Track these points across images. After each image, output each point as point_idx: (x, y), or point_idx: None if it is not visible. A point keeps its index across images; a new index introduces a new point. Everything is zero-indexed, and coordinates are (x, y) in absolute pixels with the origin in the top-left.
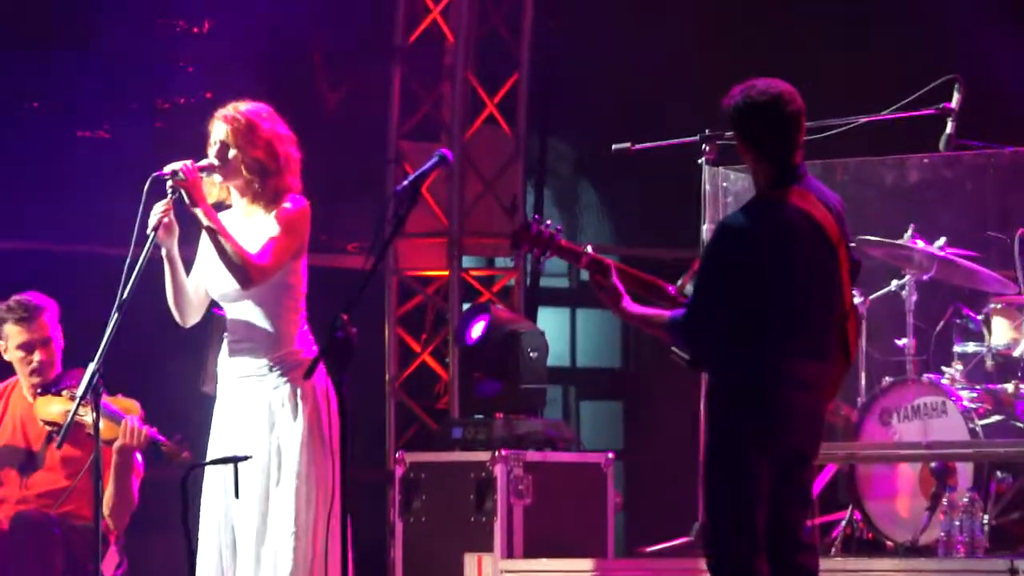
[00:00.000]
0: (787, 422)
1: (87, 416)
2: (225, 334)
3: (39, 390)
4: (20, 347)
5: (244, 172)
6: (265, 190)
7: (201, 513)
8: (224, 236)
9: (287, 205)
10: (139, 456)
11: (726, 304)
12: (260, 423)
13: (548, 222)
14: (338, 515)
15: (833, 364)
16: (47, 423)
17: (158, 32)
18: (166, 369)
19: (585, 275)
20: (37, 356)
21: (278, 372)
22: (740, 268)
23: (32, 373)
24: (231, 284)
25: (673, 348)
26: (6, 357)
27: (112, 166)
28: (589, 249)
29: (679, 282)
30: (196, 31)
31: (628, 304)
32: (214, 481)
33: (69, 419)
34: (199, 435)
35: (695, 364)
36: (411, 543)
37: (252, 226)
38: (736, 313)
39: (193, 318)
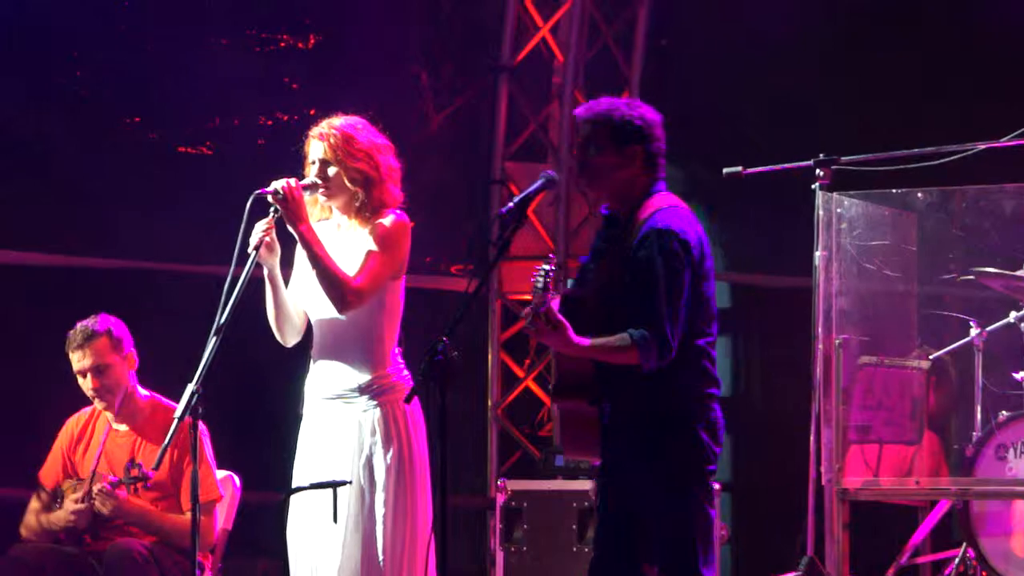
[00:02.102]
0: (719, 439)
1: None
2: (314, 353)
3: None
4: (78, 373)
5: (348, 186)
6: (370, 201)
7: (289, 537)
8: (323, 257)
9: (385, 221)
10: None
11: (680, 316)
12: (349, 447)
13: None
14: (432, 544)
15: None
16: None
17: (262, 48)
18: (267, 388)
19: None
20: (89, 383)
21: (368, 395)
22: (686, 276)
23: (93, 399)
24: (326, 303)
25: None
26: None
27: (214, 183)
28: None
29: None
30: (301, 47)
31: (575, 336)
32: (300, 505)
33: (167, 440)
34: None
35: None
36: (512, 572)
37: (351, 241)
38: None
39: (294, 337)
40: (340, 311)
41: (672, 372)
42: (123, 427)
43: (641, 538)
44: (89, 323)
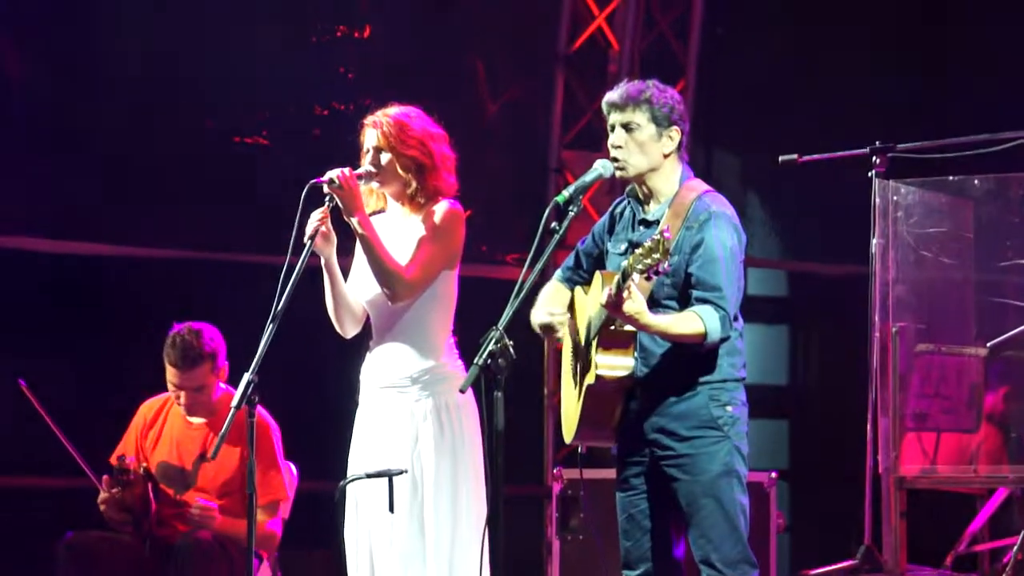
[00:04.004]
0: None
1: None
2: (371, 342)
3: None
4: (172, 385)
5: (401, 173)
6: (424, 190)
7: (346, 527)
8: (378, 247)
9: (437, 209)
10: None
11: (736, 297)
12: (402, 437)
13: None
14: (487, 532)
15: None
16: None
17: (318, 37)
18: (323, 377)
19: (753, 289)
20: (184, 399)
21: (420, 385)
22: (741, 259)
23: (180, 406)
24: (379, 292)
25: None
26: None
27: (270, 173)
28: None
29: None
30: (357, 36)
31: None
32: (353, 494)
33: (224, 429)
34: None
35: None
36: (568, 561)
37: (406, 231)
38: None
39: (353, 328)
40: (392, 301)
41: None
42: (197, 420)
43: (670, 503)
44: (192, 341)
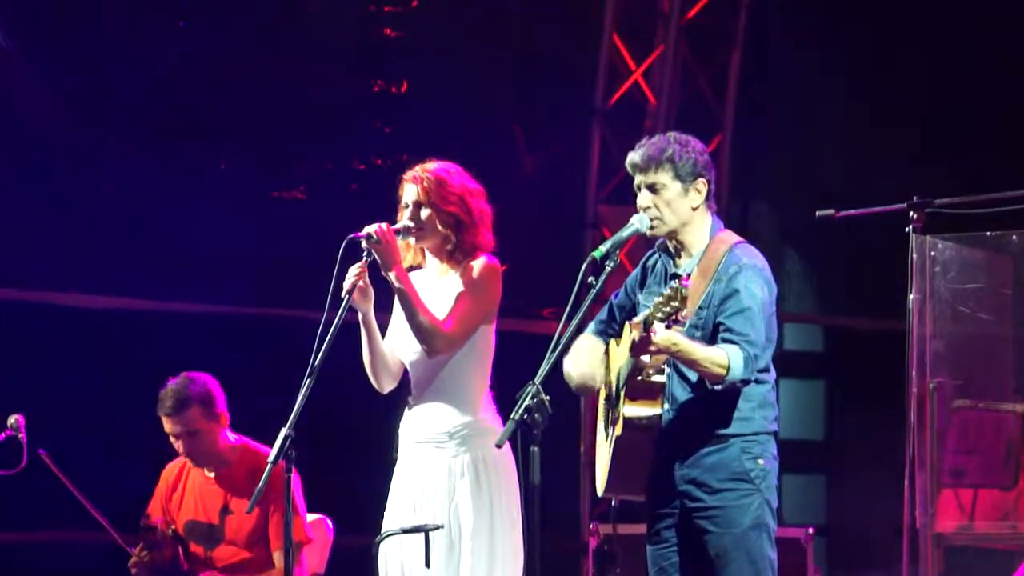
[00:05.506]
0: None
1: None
2: (410, 398)
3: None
4: (170, 436)
5: (440, 229)
6: (462, 245)
7: None
8: (415, 301)
9: (475, 264)
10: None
11: (765, 345)
12: (439, 492)
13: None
14: None
15: None
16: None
17: (356, 92)
18: (361, 431)
19: (790, 343)
20: (182, 448)
21: (458, 440)
22: (772, 310)
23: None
24: (417, 347)
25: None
26: None
27: (307, 228)
28: None
29: None
30: (394, 91)
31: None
32: (390, 549)
33: (261, 484)
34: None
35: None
36: None
37: (444, 287)
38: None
39: (390, 384)
40: (430, 355)
41: (746, 395)
42: (214, 474)
43: (700, 556)
44: (180, 387)
